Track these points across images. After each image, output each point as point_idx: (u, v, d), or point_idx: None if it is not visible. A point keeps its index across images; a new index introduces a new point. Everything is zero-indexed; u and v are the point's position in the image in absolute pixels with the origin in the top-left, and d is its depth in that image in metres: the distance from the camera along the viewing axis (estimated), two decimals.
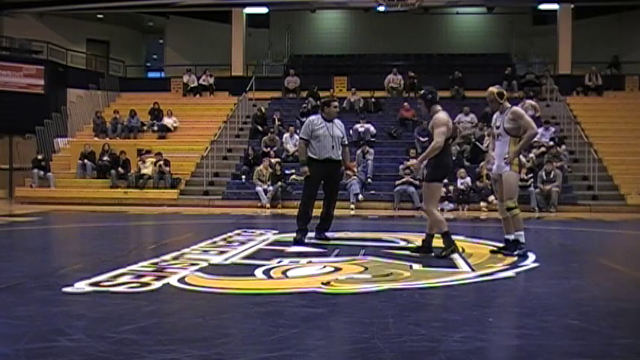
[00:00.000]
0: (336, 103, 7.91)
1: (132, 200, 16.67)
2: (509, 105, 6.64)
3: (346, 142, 8.04)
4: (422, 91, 6.84)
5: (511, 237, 6.68)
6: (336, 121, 7.93)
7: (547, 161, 15.74)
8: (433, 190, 6.67)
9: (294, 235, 7.82)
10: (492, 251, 6.83)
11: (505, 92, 6.77)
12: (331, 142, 7.72)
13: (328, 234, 8.04)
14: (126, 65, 26.00)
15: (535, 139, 17.49)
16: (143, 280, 5.08)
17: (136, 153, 18.36)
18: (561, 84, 20.80)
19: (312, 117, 8.02)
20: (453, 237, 6.65)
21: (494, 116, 6.77)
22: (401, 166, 16.46)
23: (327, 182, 7.92)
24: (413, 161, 6.57)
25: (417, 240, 7.74)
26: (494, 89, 6.71)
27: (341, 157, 7.92)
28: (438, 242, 6.67)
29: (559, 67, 22.47)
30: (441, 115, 6.58)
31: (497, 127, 6.62)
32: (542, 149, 16.80)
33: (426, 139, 17.67)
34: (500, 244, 6.92)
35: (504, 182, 6.56)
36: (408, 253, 6.79)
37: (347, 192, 15.62)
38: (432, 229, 6.70)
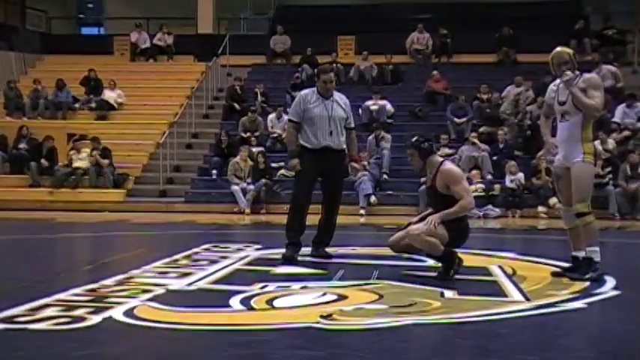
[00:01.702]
0: (329, 76, 7.85)
1: (60, 204, 16.64)
2: (577, 72, 6.64)
3: (352, 125, 8.06)
4: (413, 139, 7.05)
5: (581, 254, 6.67)
6: (338, 96, 7.96)
7: (632, 150, 15.72)
8: (439, 232, 6.73)
9: (284, 251, 7.81)
10: (554, 274, 6.82)
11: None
12: (329, 125, 7.74)
13: (329, 249, 8.03)
14: (50, 17, 25.94)
15: (616, 119, 17.78)
16: (75, 313, 5.05)
17: (66, 139, 18.33)
18: None
19: (305, 91, 8.06)
20: (501, 253, 6.64)
21: (554, 87, 6.77)
22: None
23: (326, 180, 7.94)
24: (432, 217, 6.71)
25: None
26: (566, 49, 6.73)
27: (344, 146, 7.93)
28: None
29: None
30: (455, 167, 7.02)
31: (563, 103, 6.60)
32: (626, 133, 16.77)
33: (463, 119, 17.80)
34: (566, 264, 6.92)
35: (575, 178, 6.53)
36: (437, 274, 6.78)
37: (355, 192, 15.62)
38: None
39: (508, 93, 18.32)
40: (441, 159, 7.02)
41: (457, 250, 6.84)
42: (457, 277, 6.68)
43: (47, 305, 5.28)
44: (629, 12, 23.79)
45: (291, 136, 7.95)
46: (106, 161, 17.31)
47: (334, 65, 20.63)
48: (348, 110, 7.98)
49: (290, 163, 7.92)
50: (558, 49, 6.73)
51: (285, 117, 18.00)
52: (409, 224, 7.04)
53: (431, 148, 6.99)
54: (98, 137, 17.74)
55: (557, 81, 6.72)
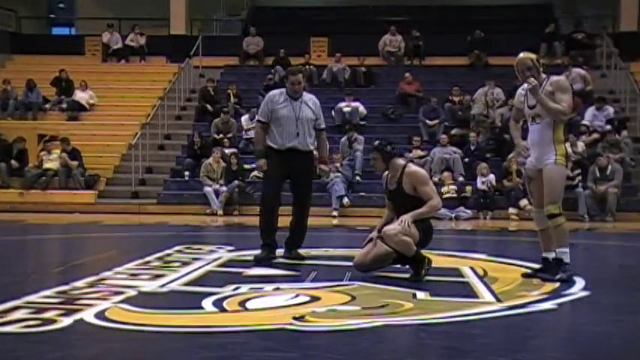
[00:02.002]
0: (297, 78, 7.91)
1: (30, 205, 16.51)
2: (544, 75, 6.68)
3: (323, 126, 8.09)
4: (376, 143, 7.10)
5: (551, 255, 6.73)
6: (308, 97, 7.99)
7: (602, 152, 15.88)
8: (412, 231, 6.74)
9: (257, 252, 7.81)
10: (525, 275, 6.87)
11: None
12: (296, 126, 7.76)
13: (302, 251, 8.03)
14: (20, 17, 25.70)
15: (585, 122, 17.94)
16: (46, 315, 5.01)
17: (36, 140, 18.17)
18: (623, 46, 20.98)
19: (274, 92, 8.11)
20: (472, 255, 6.67)
21: (522, 92, 6.80)
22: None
23: (294, 181, 7.98)
24: (404, 217, 6.75)
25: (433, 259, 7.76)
26: (530, 54, 6.75)
27: (312, 147, 7.96)
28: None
29: (621, 23, 22.54)
30: (420, 169, 7.05)
31: (533, 107, 6.64)
32: (595, 136, 16.94)
33: (435, 122, 17.88)
34: (537, 265, 6.96)
35: (546, 179, 6.55)
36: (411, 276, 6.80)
37: (328, 194, 15.65)
38: None
39: (479, 96, 18.42)
40: (403, 162, 7.02)
41: (424, 250, 6.85)
42: (429, 278, 6.70)
43: (17, 307, 5.23)
44: (597, 16, 24.02)
45: (259, 136, 8.01)
46: (75, 162, 17.17)
47: (307, 67, 20.68)
48: (318, 111, 7.99)
49: (257, 164, 7.97)
50: (521, 55, 6.71)
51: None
52: (369, 240, 7.00)
53: (393, 151, 7.00)
54: (68, 138, 17.58)
55: (525, 84, 6.75)
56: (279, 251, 7.96)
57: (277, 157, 7.76)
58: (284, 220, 7.98)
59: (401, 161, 7.00)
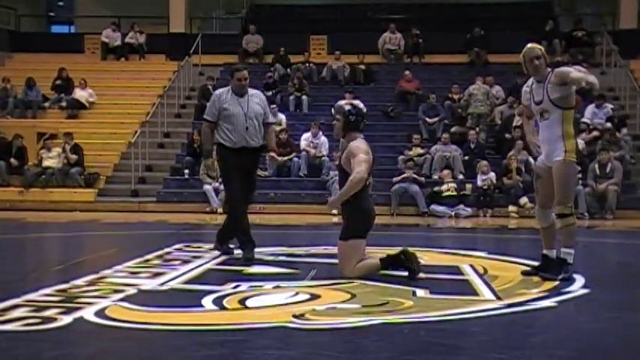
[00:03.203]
0: (243, 74, 8.01)
1: (30, 203, 16.50)
2: (549, 68, 6.62)
3: (270, 120, 8.23)
4: (347, 108, 7.04)
5: (552, 254, 6.71)
6: (253, 92, 8.10)
7: (601, 150, 15.87)
8: (353, 249, 6.63)
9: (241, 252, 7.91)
10: (525, 273, 6.87)
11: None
12: (245, 121, 7.87)
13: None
14: (19, 15, 25.68)
15: (585, 120, 17.92)
16: (46, 314, 5.02)
17: (36, 138, 18.16)
18: (623, 44, 20.96)
19: (219, 90, 8.25)
20: (472, 252, 6.66)
21: (527, 89, 6.76)
22: (401, 157, 16.50)
23: (246, 176, 8.07)
24: (330, 199, 6.71)
25: (424, 256, 7.75)
26: (537, 45, 6.70)
27: (262, 142, 8.05)
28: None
29: (620, 21, 22.53)
30: (361, 144, 6.67)
31: (539, 102, 6.55)
32: (595, 134, 16.94)
33: (435, 119, 17.88)
34: (536, 263, 6.95)
35: (557, 178, 6.44)
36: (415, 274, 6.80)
37: (328, 192, 15.64)
38: None
39: (474, 93, 18.27)
40: (358, 136, 6.79)
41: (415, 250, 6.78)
42: (429, 276, 6.70)
43: (17, 306, 5.24)
44: (597, 14, 24.01)
45: (207, 135, 8.14)
46: (75, 156, 17.17)
47: (306, 65, 20.68)
48: (265, 106, 8.13)
49: (205, 163, 8.03)
50: (530, 45, 6.68)
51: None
52: None
53: (357, 124, 6.81)
54: (71, 133, 17.57)
55: (530, 81, 6.71)
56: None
57: (231, 154, 7.87)
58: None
59: (357, 135, 6.79)
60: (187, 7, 23.65)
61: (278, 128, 17.69)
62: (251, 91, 8.07)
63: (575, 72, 6.44)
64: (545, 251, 6.80)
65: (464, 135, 17.21)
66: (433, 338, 4.57)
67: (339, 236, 6.76)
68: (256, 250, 7.91)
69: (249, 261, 7.64)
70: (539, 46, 6.72)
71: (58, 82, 20.64)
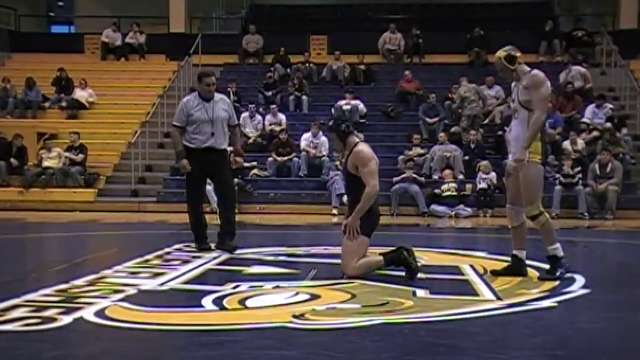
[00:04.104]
0: (212, 79, 8.40)
1: (30, 203, 16.51)
2: (528, 69, 6.63)
3: (235, 123, 8.69)
4: (330, 123, 7.12)
5: (522, 254, 6.75)
6: (219, 97, 8.53)
7: (602, 150, 15.88)
8: (359, 246, 6.68)
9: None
10: (494, 272, 6.86)
11: (517, 55, 6.68)
12: (210, 127, 8.27)
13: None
14: (19, 15, 25.69)
15: (585, 120, 17.91)
16: (46, 314, 5.02)
17: (36, 138, 18.16)
18: (623, 44, 20.98)
19: (187, 97, 8.72)
20: (472, 252, 6.66)
21: (513, 85, 6.80)
22: (401, 157, 16.51)
23: (217, 179, 8.59)
24: (345, 221, 6.81)
25: (424, 256, 7.76)
26: (501, 52, 6.73)
27: (225, 145, 8.52)
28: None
29: (620, 21, 22.53)
30: (366, 149, 6.77)
31: (514, 101, 6.63)
32: (595, 133, 16.94)
33: (435, 119, 17.88)
34: (535, 263, 6.96)
35: (522, 180, 6.50)
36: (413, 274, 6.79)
37: (328, 192, 15.65)
38: None
39: (468, 93, 18.21)
40: (356, 139, 6.93)
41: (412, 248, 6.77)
42: (429, 276, 6.71)
43: (17, 306, 5.24)
44: (597, 14, 24.01)
45: (176, 138, 8.49)
46: (82, 155, 17.21)
47: (306, 65, 20.69)
48: (230, 110, 8.54)
49: (180, 164, 8.49)
50: (498, 52, 6.75)
51: (259, 117, 18.18)
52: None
53: (348, 129, 6.93)
54: (78, 132, 17.61)
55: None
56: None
57: (196, 157, 8.27)
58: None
59: (354, 139, 6.92)
60: (187, 7, 23.66)
61: (278, 128, 17.75)
62: (217, 95, 8.51)
63: (538, 98, 6.42)
64: (514, 251, 6.83)
65: (458, 135, 17.22)
66: (433, 338, 4.57)
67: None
68: (256, 250, 7.94)
69: (202, 250, 8.35)
70: (500, 55, 6.72)
71: (57, 77, 20.63)
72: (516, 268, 6.75)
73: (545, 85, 6.46)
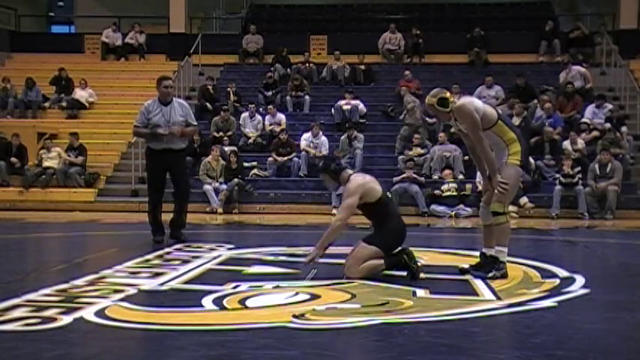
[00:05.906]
0: (169, 82, 9.17)
1: (30, 203, 16.52)
2: (457, 101, 6.62)
3: (194, 124, 9.47)
4: (320, 164, 7.14)
5: (490, 252, 6.75)
6: (177, 102, 9.24)
7: (601, 150, 15.87)
8: (370, 254, 6.64)
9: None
10: (461, 270, 6.86)
11: (446, 95, 6.62)
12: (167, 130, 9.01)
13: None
14: (19, 15, 25.70)
15: (585, 120, 17.93)
16: (46, 314, 5.02)
17: (36, 138, 18.16)
18: (622, 43, 21.01)
19: (148, 102, 9.34)
20: (472, 252, 6.66)
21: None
22: (401, 157, 16.51)
23: (173, 178, 9.42)
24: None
25: (424, 256, 7.76)
26: (431, 99, 6.67)
27: (183, 146, 9.38)
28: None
29: (620, 20, 22.53)
30: (354, 183, 6.73)
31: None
32: (595, 133, 16.94)
33: (435, 120, 17.86)
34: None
35: (500, 177, 6.54)
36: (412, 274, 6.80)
37: (328, 192, 15.65)
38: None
39: (479, 93, 18.34)
40: (349, 173, 6.94)
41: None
42: (429, 276, 6.71)
43: (17, 306, 5.24)
44: (597, 14, 24.02)
45: (141, 131, 9.26)
46: (82, 158, 17.20)
47: (306, 65, 20.68)
48: (186, 113, 9.22)
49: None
50: (428, 98, 6.72)
51: (259, 117, 18.19)
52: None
53: (338, 167, 6.95)
54: (77, 133, 17.60)
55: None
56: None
57: (155, 157, 9.18)
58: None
59: (349, 172, 6.97)
60: (187, 7, 23.67)
61: (278, 128, 17.76)
62: (176, 101, 9.18)
63: (470, 128, 6.53)
64: (484, 249, 6.85)
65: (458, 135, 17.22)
66: (433, 338, 4.57)
67: (363, 238, 6.79)
68: (256, 250, 7.94)
69: (158, 242, 9.18)
70: (430, 101, 6.68)
71: (57, 77, 20.63)
72: (481, 265, 6.77)
73: (469, 116, 6.46)
